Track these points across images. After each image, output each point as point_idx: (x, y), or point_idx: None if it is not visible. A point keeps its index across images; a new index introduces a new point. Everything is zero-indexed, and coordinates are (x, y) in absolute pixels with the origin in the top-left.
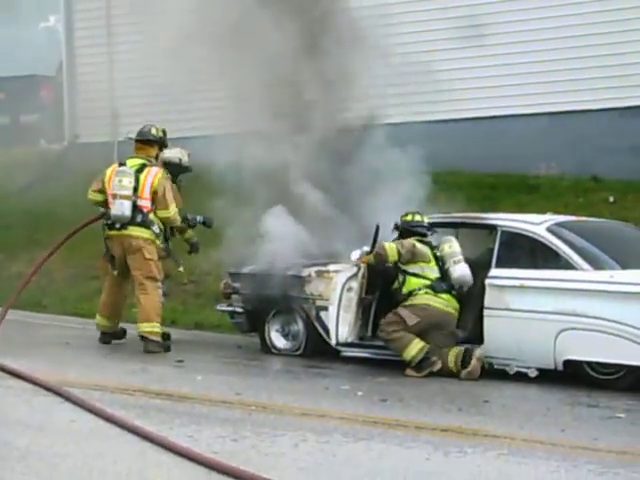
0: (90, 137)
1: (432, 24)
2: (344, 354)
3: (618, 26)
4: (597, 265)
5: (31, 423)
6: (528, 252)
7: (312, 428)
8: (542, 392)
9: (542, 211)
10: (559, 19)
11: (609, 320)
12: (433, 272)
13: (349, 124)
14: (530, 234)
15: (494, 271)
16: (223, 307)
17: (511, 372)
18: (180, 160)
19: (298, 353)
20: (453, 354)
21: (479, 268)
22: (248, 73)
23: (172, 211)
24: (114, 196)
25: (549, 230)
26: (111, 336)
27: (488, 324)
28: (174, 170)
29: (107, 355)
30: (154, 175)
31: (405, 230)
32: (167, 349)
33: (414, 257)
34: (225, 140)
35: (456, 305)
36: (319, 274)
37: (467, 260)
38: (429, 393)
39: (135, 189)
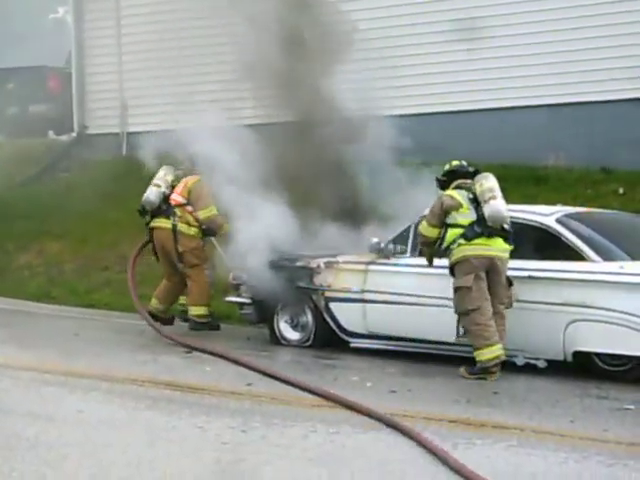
0: (99, 128)
1: (436, 15)
2: (353, 345)
3: (629, 17)
4: (607, 256)
5: (40, 413)
6: (537, 243)
7: (322, 419)
8: (551, 383)
9: (551, 202)
10: (569, 10)
11: (619, 311)
12: (466, 217)
13: (357, 117)
14: (540, 225)
15: None
16: (232, 298)
17: (520, 363)
18: None
19: (307, 344)
20: (489, 357)
21: None
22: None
23: (212, 210)
24: (151, 184)
25: (558, 221)
26: (156, 319)
27: None
28: None
29: (116, 346)
30: (193, 178)
31: (449, 178)
32: (215, 328)
33: (446, 210)
34: (233, 131)
35: (502, 246)
36: (328, 265)
37: None
38: (438, 384)
39: (173, 186)
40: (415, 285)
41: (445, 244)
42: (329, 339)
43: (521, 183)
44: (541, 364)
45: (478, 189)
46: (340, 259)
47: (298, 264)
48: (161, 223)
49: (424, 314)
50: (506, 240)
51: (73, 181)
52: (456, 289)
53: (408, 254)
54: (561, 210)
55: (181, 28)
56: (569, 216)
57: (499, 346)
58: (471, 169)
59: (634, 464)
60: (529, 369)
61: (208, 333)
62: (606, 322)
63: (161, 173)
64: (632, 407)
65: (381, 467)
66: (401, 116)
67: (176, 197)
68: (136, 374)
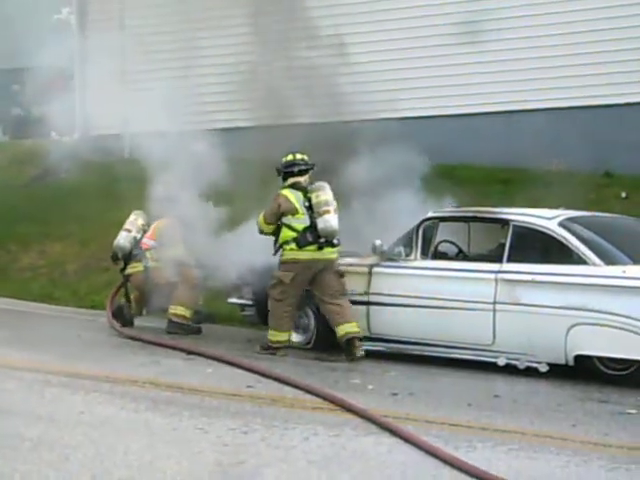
0: (102, 129)
1: (444, 18)
2: None
3: (632, 21)
4: (609, 260)
5: (42, 414)
6: (540, 247)
7: (322, 422)
8: (553, 387)
9: (554, 206)
10: (571, 14)
11: (621, 315)
12: (300, 222)
13: (361, 118)
14: (542, 229)
15: (506, 265)
16: (234, 300)
17: (521, 367)
18: None
19: (309, 346)
20: (342, 332)
21: (491, 262)
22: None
23: (177, 250)
24: (122, 229)
25: (561, 225)
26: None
27: (499, 318)
28: None
29: (118, 347)
30: (163, 220)
31: (284, 172)
32: (194, 332)
33: (282, 212)
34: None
35: (330, 251)
36: None
37: (478, 255)
38: (439, 387)
39: (144, 230)
40: (422, 288)
41: (279, 242)
42: (331, 341)
43: (524, 186)
44: (542, 368)
45: (314, 199)
46: (342, 261)
47: None
48: (134, 268)
49: (430, 317)
50: (334, 246)
51: (75, 182)
52: (273, 278)
53: (413, 256)
54: (564, 214)
55: (184, 29)
56: (572, 220)
57: (288, 334)
58: (304, 167)
59: (635, 468)
60: (530, 373)
61: (207, 335)
62: (608, 326)
63: (132, 217)
64: (634, 411)
65: (382, 470)
66: (407, 119)
67: (147, 241)
68: (137, 376)
